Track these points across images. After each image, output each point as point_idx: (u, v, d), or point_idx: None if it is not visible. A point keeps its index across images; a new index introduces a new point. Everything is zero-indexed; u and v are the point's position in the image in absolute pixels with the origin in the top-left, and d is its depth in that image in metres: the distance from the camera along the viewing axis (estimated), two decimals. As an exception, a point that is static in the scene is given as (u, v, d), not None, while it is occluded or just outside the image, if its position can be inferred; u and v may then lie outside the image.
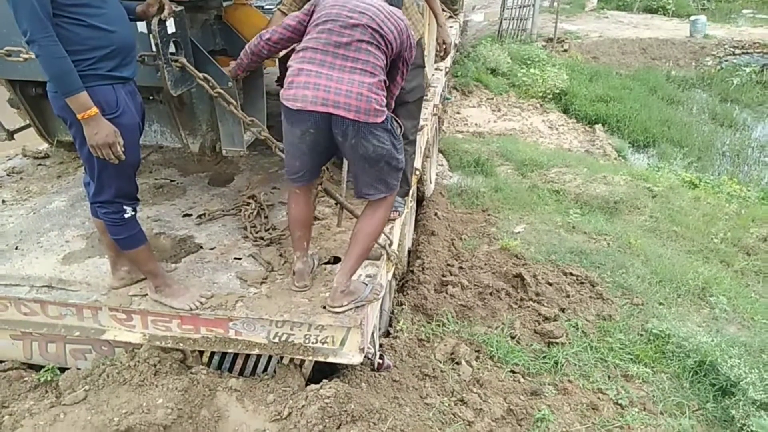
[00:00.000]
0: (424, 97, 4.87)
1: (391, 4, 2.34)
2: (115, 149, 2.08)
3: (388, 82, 2.29)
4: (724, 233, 5.25)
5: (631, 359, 3.33)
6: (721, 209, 5.85)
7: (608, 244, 4.69)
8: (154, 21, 2.36)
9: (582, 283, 3.97)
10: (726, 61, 11.67)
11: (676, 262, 4.52)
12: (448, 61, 6.92)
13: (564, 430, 2.75)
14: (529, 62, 10.01)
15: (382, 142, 2.22)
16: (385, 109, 2.20)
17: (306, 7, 2.35)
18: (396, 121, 2.32)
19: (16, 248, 2.85)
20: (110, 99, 2.10)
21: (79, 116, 2.01)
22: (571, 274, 4.05)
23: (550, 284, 3.87)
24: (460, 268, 4.05)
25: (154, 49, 2.47)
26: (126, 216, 2.33)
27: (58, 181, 3.58)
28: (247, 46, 2.49)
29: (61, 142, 3.46)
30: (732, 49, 11.94)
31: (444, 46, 3.20)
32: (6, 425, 2.20)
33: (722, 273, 4.54)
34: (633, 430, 2.81)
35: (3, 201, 3.33)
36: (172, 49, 2.55)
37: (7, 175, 3.67)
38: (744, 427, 2.86)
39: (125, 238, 2.38)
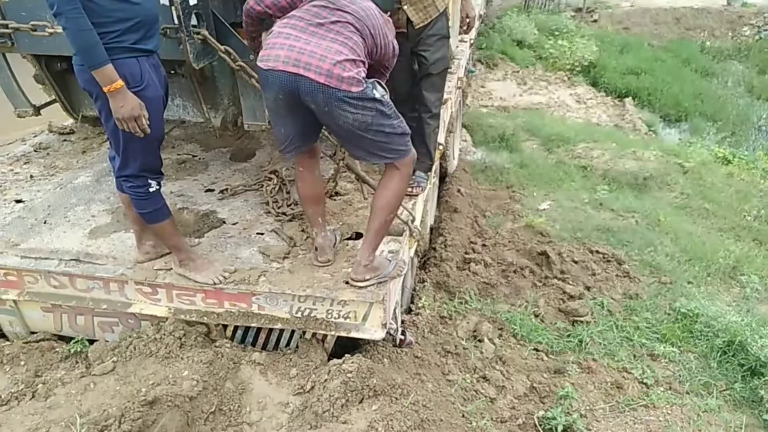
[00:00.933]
0: (448, 70, 4.80)
1: (380, 5, 2.31)
2: (140, 122, 2.09)
3: (365, 69, 2.21)
4: (758, 210, 5.09)
5: (658, 338, 3.28)
6: (756, 186, 5.66)
7: (636, 221, 4.58)
8: None
9: (608, 261, 3.89)
10: (766, 30, 11.16)
11: (707, 240, 4.40)
12: (472, 33, 6.75)
13: (587, 408, 2.73)
14: (556, 33, 9.72)
15: (363, 111, 2.13)
16: (364, 80, 2.11)
17: None
18: (380, 85, 2.21)
19: (45, 222, 2.90)
20: (135, 72, 2.10)
21: (105, 89, 2.01)
22: (597, 252, 3.97)
23: (576, 262, 3.81)
24: (483, 245, 4.01)
25: (176, 21, 2.45)
26: (151, 190, 2.35)
27: (84, 157, 3.62)
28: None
29: (86, 117, 3.49)
30: (772, 18, 11.42)
31: (468, 20, 3.09)
32: (40, 393, 2.27)
33: (755, 251, 4.41)
34: (658, 409, 2.78)
35: (31, 176, 3.38)
36: (193, 21, 2.53)
37: (35, 150, 3.73)
38: (774, 409, 2.80)
39: (151, 212, 2.39)
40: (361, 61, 2.15)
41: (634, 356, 3.14)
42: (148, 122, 2.11)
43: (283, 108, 2.23)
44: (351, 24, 2.15)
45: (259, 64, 2.17)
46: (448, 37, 3.08)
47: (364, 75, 2.13)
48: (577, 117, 7.62)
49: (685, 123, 7.95)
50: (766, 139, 7.80)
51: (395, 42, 2.35)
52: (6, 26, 2.63)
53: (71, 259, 2.59)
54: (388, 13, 2.46)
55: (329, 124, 2.24)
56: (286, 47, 2.10)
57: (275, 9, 2.26)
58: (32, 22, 2.61)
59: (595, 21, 11.19)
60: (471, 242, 4.05)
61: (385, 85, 2.24)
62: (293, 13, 2.21)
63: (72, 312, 2.61)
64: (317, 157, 2.56)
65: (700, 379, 3.02)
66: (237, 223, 2.94)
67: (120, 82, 2.01)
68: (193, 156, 3.65)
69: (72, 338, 2.59)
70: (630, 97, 8.24)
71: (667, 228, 4.50)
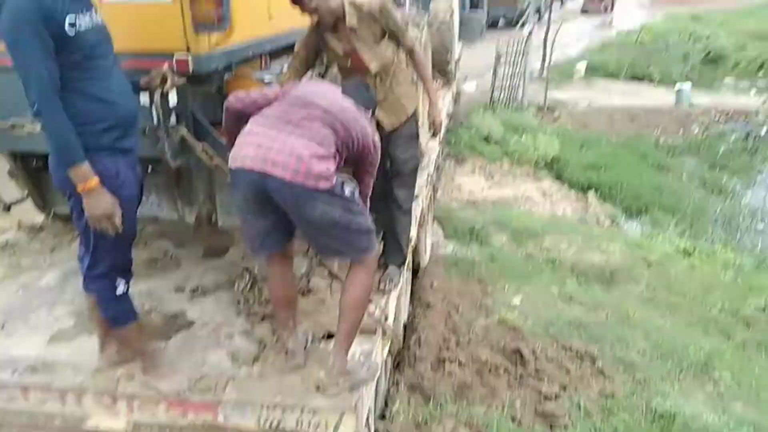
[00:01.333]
0: (419, 166, 4.97)
1: (361, 103, 2.42)
2: (113, 221, 2.07)
3: (339, 162, 2.28)
4: (722, 303, 5.21)
5: (637, 441, 3.21)
6: (717, 278, 5.83)
7: (607, 316, 4.63)
8: (157, 93, 2.41)
9: (582, 358, 3.88)
10: (712, 128, 12.01)
11: (677, 335, 4.45)
12: (441, 131, 7.08)
13: None
14: (521, 130, 10.25)
15: (330, 208, 2.15)
16: (332, 177, 2.14)
17: (286, 87, 2.44)
18: (350, 181, 2.27)
19: (2, 327, 2.78)
20: (111, 170, 2.11)
21: (79, 188, 2.01)
22: (570, 348, 3.96)
23: (550, 360, 3.78)
24: (457, 343, 3.96)
25: (155, 120, 2.51)
26: (118, 291, 2.30)
27: (52, 255, 3.54)
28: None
29: (58, 214, 3.45)
30: (717, 117, 12.32)
31: (435, 125, 3.24)
32: None
33: (723, 346, 4.47)
34: None
35: (-7, 276, 3.28)
36: (173, 120, 2.60)
37: (1, 249, 3.64)
38: None
39: (116, 314, 2.34)
40: (331, 156, 2.18)
41: (615, 461, 3.06)
42: (121, 221, 2.10)
43: (252, 206, 2.24)
44: (320, 119, 2.21)
45: (230, 163, 2.21)
46: (418, 137, 3.22)
47: (333, 170, 2.17)
48: (543, 210, 7.87)
49: (646, 215, 8.28)
50: (723, 231, 8.15)
51: (376, 137, 2.41)
52: (-16, 125, 2.65)
53: (26, 368, 2.46)
54: (369, 112, 2.57)
55: (296, 220, 2.25)
56: (254, 145, 2.15)
57: (254, 108, 2.34)
58: (11, 120, 2.64)
59: (556, 119, 11.89)
60: (445, 339, 4.01)
61: (354, 182, 2.30)
62: (264, 111, 2.29)
63: (23, 430, 2.43)
64: (291, 260, 2.56)
65: (682, 486, 2.94)
66: (206, 324, 2.87)
67: (95, 181, 2.01)
68: (165, 253, 3.60)
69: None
70: (592, 191, 8.59)
71: (637, 322, 4.55)
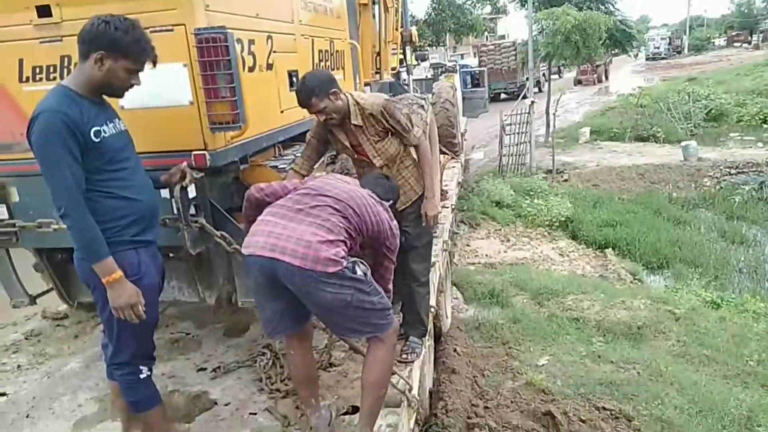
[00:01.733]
0: (434, 234, 5.03)
1: (382, 198, 2.53)
2: (136, 310, 2.14)
3: (353, 247, 2.32)
4: (759, 354, 5.01)
5: (685, 505, 3.02)
6: (750, 329, 5.64)
7: (638, 372, 4.48)
8: (177, 187, 2.54)
9: (617, 418, 3.73)
10: (724, 180, 12.01)
11: (714, 389, 4.27)
12: (453, 199, 7.20)
13: None
14: (532, 193, 10.36)
15: (342, 290, 2.17)
16: (342, 261, 2.16)
17: (306, 180, 2.58)
18: (362, 263, 2.27)
19: (27, 416, 2.79)
20: (133, 262, 2.20)
21: (104, 281, 2.09)
22: (604, 408, 3.82)
23: (583, 421, 3.64)
24: (486, 407, 3.85)
25: (175, 212, 2.62)
26: (142, 376, 2.32)
27: (75, 342, 3.60)
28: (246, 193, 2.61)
29: (82, 303, 3.53)
30: (728, 170, 12.34)
31: (427, 218, 3.07)
32: None
33: (766, 399, 4.26)
34: None
35: (18, 366, 3.32)
36: (192, 211, 2.71)
37: (25, 338, 3.70)
38: None
39: (140, 399, 2.34)
40: (342, 240, 2.23)
41: None
42: (144, 309, 2.16)
43: (265, 290, 2.31)
44: (330, 206, 2.29)
45: (242, 250, 2.30)
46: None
47: (343, 254, 2.20)
48: (562, 269, 7.80)
49: (668, 270, 8.15)
50: (749, 281, 7.97)
51: (394, 223, 2.47)
52: (13, 225, 2.78)
53: (52, 458, 2.44)
54: (389, 202, 2.63)
55: (309, 304, 2.29)
56: (265, 234, 2.24)
57: (273, 198, 2.46)
58: (38, 220, 2.77)
59: (566, 180, 12.02)
60: (473, 405, 3.89)
61: (365, 264, 2.30)
62: (278, 201, 2.39)
63: None
64: (309, 338, 2.57)
65: None
66: (229, 403, 2.86)
67: (119, 273, 2.10)
68: (187, 334, 3.64)
69: None
70: (610, 248, 8.53)
71: (670, 378, 4.38)
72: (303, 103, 2.76)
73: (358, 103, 2.85)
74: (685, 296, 6.45)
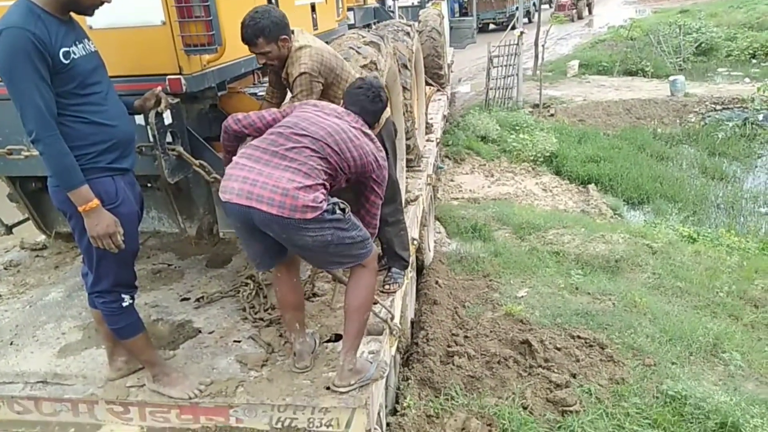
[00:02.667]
0: (417, 168, 5.00)
1: (367, 120, 2.43)
2: (115, 239, 2.10)
3: (331, 186, 2.27)
4: (729, 286, 5.19)
5: (649, 424, 3.20)
6: (723, 262, 5.82)
7: (613, 303, 4.62)
8: (152, 113, 2.45)
9: (591, 345, 3.88)
10: (709, 116, 12.01)
11: (685, 319, 4.44)
12: (438, 133, 7.12)
13: (587, 507, 2.60)
14: (517, 128, 10.28)
15: (322, 232, 2.16)
16: (320, 205, 2.13)
17: (285, 108, 2.47)
18: (335, 205, 2.21)
19: (11, 343, 2.80)
20: (110, 190, 2.15)
21: (80, 209, 2.04)
22: (578, 337, 3.96)
23: (559, 349, 3.78)
24: (466, 336, 3.97)
25: (151, 139, 2.54)
26: (124, 304, 2.32)
27: (56, 272, 3.57)
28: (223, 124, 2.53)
29: (60, 233, 3.48)
30: (713, 106, 12.32)
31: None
32: None
33: (732, 327, 4.46)
34: (660, 503, 2.66)
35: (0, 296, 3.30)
36: (168, 139, 2.63)
37: (5, 268, 3.67)
38: (776, 493, 2.70)
39: (123, 327, 2.35)
40: (320, 184, 2.19)
41: (629, 445, 3.05)
42: (122, 238, 2.13)
43: (245, 233, 2.30)
44: (307, 147, 2.21)
45: (220, 195, 2.26)
46: (388, 155, 3.18)
47: (323, 198, 2.16)
48: (545, 205, 7.88)
49: (648, 205, 8.28)
50: (725, 216, 8.14)
51: (380, 153, 2.39)
52: (-18, 152, 2.68)
53: (38, 381, 2.48)
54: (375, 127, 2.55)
55: (289, 246, 2.29)
56: (240, 179, 2.18)
57: (251, 130, 2.39)
58: (8, 147, 2.67)
59: (552, 115, 11.90)
60: (453, 334, 4.01)
61: (345, 203, 2.25)
62: (252, 142, 2.32)
63: (38, 440, 2.45)
64: (296, 264, 2.57)
65: (698, 466, 2.93)
66: (213, 331, 2.89)
67: (95, 202, 2.05)
68: (169, 265, 3.63)
69: (34, 470, 2.41)
70: (593, 184, 8.60)
71: (644, 309, 4.54)
72: (247, 39, 2.58)
73: (296, 59, 2.65)
74: (663, 231, 6.59)
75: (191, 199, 3.14)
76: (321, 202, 2.14)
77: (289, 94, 2.97)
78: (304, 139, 2.22)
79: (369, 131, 2.43)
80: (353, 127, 2.35)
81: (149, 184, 3.06)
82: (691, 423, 3.20)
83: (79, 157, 2.04)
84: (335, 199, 2.23)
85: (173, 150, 2.60)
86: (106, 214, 2.09)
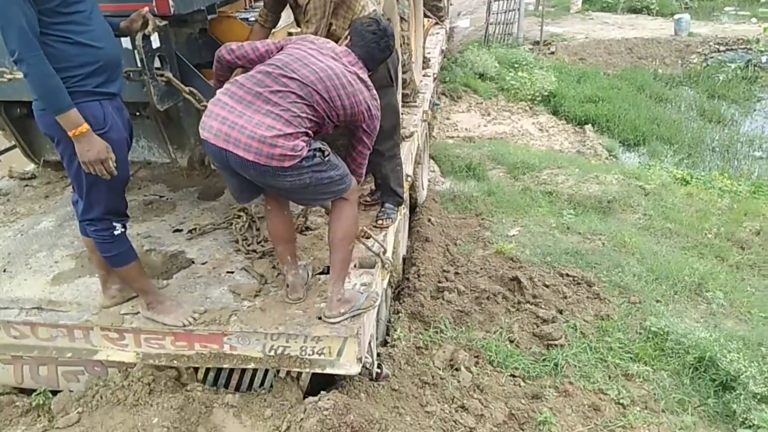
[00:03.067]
0: (413, 103, 4.90)
1: (368, 64, 2.33)
2: (107, 165, 2.07)
3: (315, 133, 2.22)
4: (718, 228, 5.26)
5: (631, 358, 3.32)
6: (714, 204, 5.86)
7: (603, 243, 4.68)
8: (139, 36, 2.36)
9: (579, 283, 3.95)
10: (711, 58, 11.76)
11: (672, 259, 4.52)
12: (435, 68, 6.94)
13: (566, 431, 2.73)
14: (516, 66, 10.04)
15: (300, 177, 2.15)
16: (299, 153, 2.09)
17: (281, 41, 2.37)
18: (315, 150, 2.15)
19: (4, 270, 2.81)
20: (98, 115, 2.09)
21: (70, 133, 2.00)
22: (567, 275, 4.03)
23: (547, 286, 3.86)
24: (456, 273, 4.03)
25: (139, 64, 2.46)
26: (116, 233, 2.31)
27: (46, 201, 3.54)
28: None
29: (48, 161, 3.43)
30: (716, 46, 12.04)
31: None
32: (-2, 452, 2.16)
33: (717, 268, 4.54)
34: (635, 429, 2.79)
35: (-10, 223, 3.29)
36: (157, 64, 2.54)
37: (-6, 197, 3.64)
38: (746, 421, 2.84)
39: (115, 255, 2.35)
40: (302, 132, 2.13)
41: (609, 377, 3.16)
42: (115, 165, 2.10)
43: (224, 170, 2.28)
44: (293, 92, 2.13)
45: (200, 131, 2.20)
46: (391, 85, 3.11)
47: (303, 145, 2.11)
48: (541, 145, 7.82)
49: (644, 147, 8.24)
50: (720, 159, 8.13)
51: (374, 103, 2.30)
52: (-36, 74, 2.59)
53: (33, 308, 2.51)
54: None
55: (267, 188, 2.29)
56: (219, 119, 2.12)
57: (244, 60, 2.31)
58: (-9, 69, 2.58)
59: (552, 53, 11.61)
60: (444, 271, 4.07)
61: (324, 146, 2.20)
62: (237, 78, 2.24)
63: (34, 363, 2.51)
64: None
65: (674, 397, 3.06)
66: (206, 262, 2.90)
67: (85, 126, 2.00)
68: (160, 196, 3.61)
69: (34, 391, 2.48)
70: (590, 124, 8.51)
71: (632, 249, 4.60)
72: None
73: None
74: (657, 172, 6.59)
75: (182, 128, 3.08)
76: (300, 150, 2.10)
77: (282, 18, 2.86)
78: (292, 83, 2.14)
79: (366, 77, 2.32)
80: (349, 71, 2.24)
81: (138, 113, 2.98)
82: (671, 357, 3.32)
83: (65, 80, 1.97)
84: (318, 144, 2.17)
85: (162, 76, 2.52)
86: (97, 139, 2.04)
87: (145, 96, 2.55)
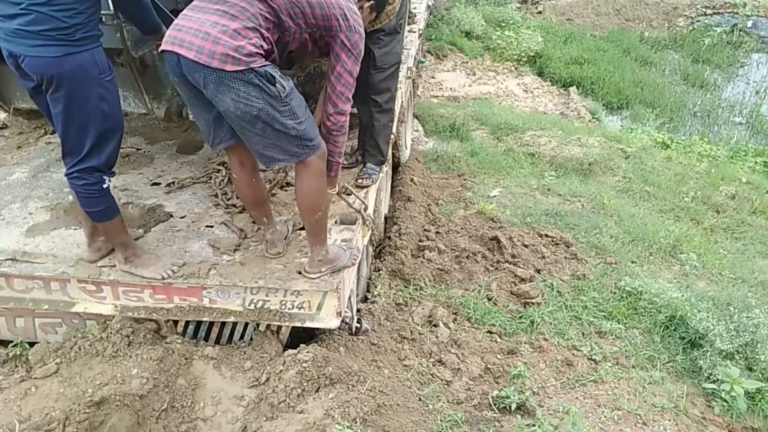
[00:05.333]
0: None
1: None
2: None
3: (270, 37, 2.01)
4: (695, 192, 5.34)
5: (605, 316, 3.40)
6: (692, 168, 5.93)
7: (582, 205, 4.73)
8: None
9: (557, 244, 4.00)
10: (698, 21, 11.70)
11: (648, 222, 4.59)
12: (421, 24, 6.78)
13: (540, 385, 2.81)
14: (503, 24, 9.89)
15: (246, 98, 1.93)
16: (247, 58, 1.89)
17: None
18: (272, 76, 1.95)
19: (-24, 222, 2.74)
20: (104, 59, 2.11)
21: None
22: (546, 235, 4.08)
23: (526, 246, 3.90)
24: (437, 232, 4.05)
25: (111, 8, 2.36)
26: (104, 186, 2.27)
27: (18, 152, 3.44)
28: None
29: (19, 110, 3.31)
30: (704, 10, 11.96)
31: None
32: (-24, 402, 2.15)
33: (692, 231, 4.63)
34: (606, 383, 2.89)
35: (-40, 174, 3.19)
36: (131, 8, 2.43)
37: (-36, 146, 3.52)
38: (711, 377, 2.95)
39: (102, 209, 2.31)
40: (251, 28, 1.92)
41: (583, 334, 3.25)
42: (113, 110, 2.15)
43: (186, 94, 2.12)
44: None
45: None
46: (399, 32, 3.06)
47: (251, 50, 1.91)
48: (525, 106, 7.78)
49: (627, 110, 8.26)
50: (701, 124, 8.20)
51: (350, 10, 2.09)
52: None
53: (7, 259, 2.46)
54: None
55: (220, 109, 2.04)
56: (175, 27, 2.00)
57: None
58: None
59: (540, 12, 11.45)
60: (425, 230, 4.08)
61: (285, 78, 1.99)
62: None
63: (10, 314, 2.48)
64: (252, 162, 2.37)
65: (644, 354, 3.16)
66: (185, 216, 2.87)
67: None
68: (138, 149, 3.53)
69: (10, 342, 2.46)
70: (574, 86, 8.47)
71: (611, 211, 4.66)
72: None
73: None
74: (638, 136, 6.63)
75: (157, 76, 2.99)
76: (247, 55, 1.89)
77: None
78: None
79: None
80: None
81: (112, 60, 2.87)
82: (643, 316, 3.41)
83: (86, 23, 2.00)
84: (277, 72, 1.97)
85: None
86: None
87: (119, 42, 2.45)
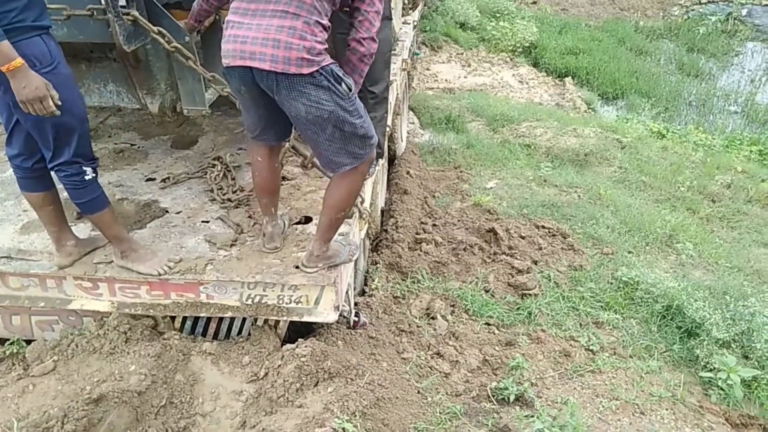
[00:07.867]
0: (393, 52, 4.78)
1: None
2: (47, 103, 1.92)
3: (329, 25, 2.04)
4: (691, 181, 5.35)
5: (602, 307, 3.41)
6: (688, 158, 5.94)
7: (579, 196, 4.73)
8: None
9: (554, 235, 4.01)
10: (692, 10, 11.70)
11: (645, 212, 4.60)
12: (416, 15, 6.75)
13: (537, 376, 2.82)
14: (498, 15, 9.86)
15: (317, 102, 1.98)
16: (318, 58, 1.93)
17: None
18: (338, 74, 2.01)
19: (-30, 219, 2.72)
20: (43, 51, 1.98)
21: (3, 68, 1.84)
22: (543, 227, 4.08)
23: (523, 237, 3.90)
24: (434, 225, 4.04)
25: (102, 2, 2.33)
26: (87, 177, 2.24)
27: (12, 149, 3.41)
28: None
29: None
30: (699, -1, 11.97)
31: None
32: (-27, 401, 2.15)
33: (688, 220, 4.65)
34: (603, 373, 2.90)
35: (-47, 171, 3.16)
36: (122, 2, 2.41)
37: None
38: (707, 365, 2.97)
39: (88, 201, 2.28)
40: (315, 21, 1.95)
41: (580, 325, 3.26)
42: (59, 102, 1.97)
43: (247, 99, 2.16)
44: None
45: (222, 61, 2.08)
46: (390, 18, 3.04)
47: (319, 48, 1.95)
48: (520, 97, 7.77)
49: (622, 100, 8.27)
50: (696, 113, 8.21)
51: None
52: None
53: (2, 257, 2.45)
54: None
55: (288, 114, 2.11)
56: (232, 39, 2.01)
57: None
58: None
59: (535, 2, 11.42)
60: (422, 223, 4.08)
61: (348, 79, 2.05)
62: None
63: (6, 312, 2.47)
64: (278, 150, 2.46)
65: (641, 343, 3.17)
66: (181, 211, 2.86)
67: (20, 60, 1.85)
68: (132, 145, 3.50)
69: (7, 340, 2.45)
70: (570, 77, 8.48)
71: (607, 201, 4.67)
72: None
73: None
74: (634, 126, 6.63)
75: (151, 72, 2.96)
76: (318, 54, 1.94)
77: None
78: None
79: None
80: None
81: (104, 55, 2.85)
82: (640, 306, 3.42)
83: (2, 17, 1.84)
84: (333, 63, 2.01)
85: (128, 14, 2.39)
86: (33, 74, 1.89)
87: (110, 36, 2.42)
